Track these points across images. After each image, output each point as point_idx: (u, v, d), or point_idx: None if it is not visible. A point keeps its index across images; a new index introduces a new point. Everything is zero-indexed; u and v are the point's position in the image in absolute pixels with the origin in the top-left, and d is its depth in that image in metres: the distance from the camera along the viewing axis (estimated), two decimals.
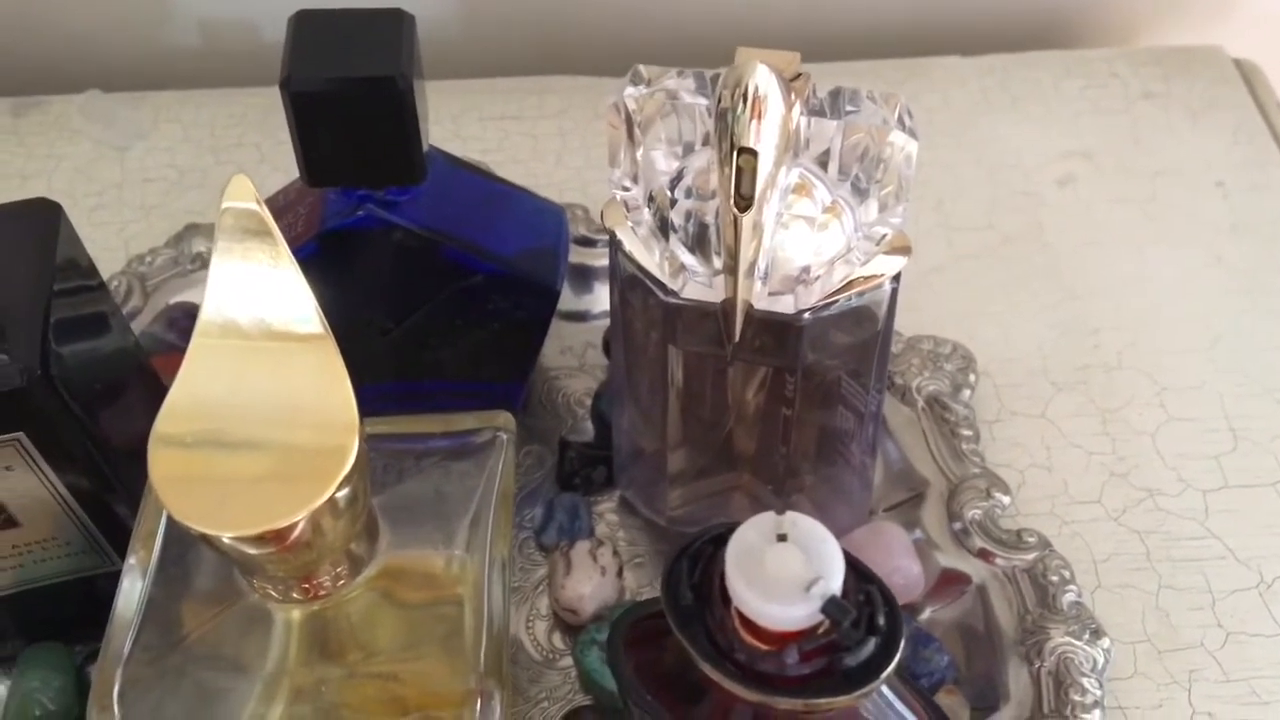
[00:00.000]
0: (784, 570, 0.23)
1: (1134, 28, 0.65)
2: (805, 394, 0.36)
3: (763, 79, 0.29)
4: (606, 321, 0.50)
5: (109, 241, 0.54)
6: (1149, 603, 0.41)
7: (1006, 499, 0.42)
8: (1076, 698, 0.37)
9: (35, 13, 0.63)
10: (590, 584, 0.40)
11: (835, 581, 0.23)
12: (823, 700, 0.23)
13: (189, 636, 0.31)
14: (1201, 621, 0.41)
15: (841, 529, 0.41)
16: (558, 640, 0.41)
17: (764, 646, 0.24)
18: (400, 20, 0.36)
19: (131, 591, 0.30)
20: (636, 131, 0.32)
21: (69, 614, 0.40)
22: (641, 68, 0.32)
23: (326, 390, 0.26)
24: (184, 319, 0.48)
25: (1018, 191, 0.55)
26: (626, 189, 0.34)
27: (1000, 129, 0.57)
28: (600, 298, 0.50)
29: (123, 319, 0.41)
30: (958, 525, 0.41)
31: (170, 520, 0.32)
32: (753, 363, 0.35)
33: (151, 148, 0.59)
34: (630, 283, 0.35)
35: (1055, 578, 0.39)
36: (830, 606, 0.22)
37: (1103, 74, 0.59)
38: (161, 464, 0.26)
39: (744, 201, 0.30)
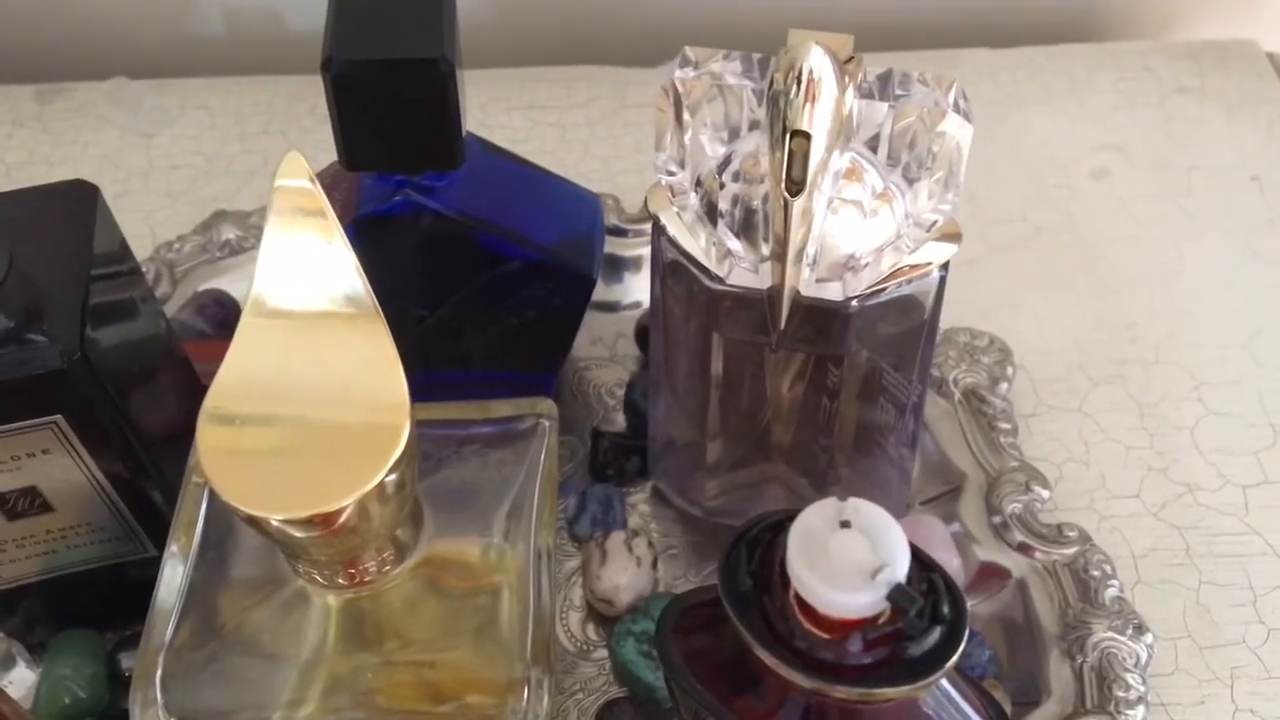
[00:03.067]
0: (848, 557, 0.22)
1: (1166, 22, 0.64)
2: (847, 385, 0.36)
3: (817, 61, 0.29)
4: (637, 312, 0.49)
5: (136, 229, 0.54)
6: (1189, 599, 0.41)
7: (1046, 493, 0.41)
8: (1120, 693, 0.36)
9: (57, 2, 0.62)
10: (626, 575, 0.39)
11: (901, 569, 0.23)
12: (885, 690, 0.23)
13: (230, 624, 0.30)
14: (1243, 618, 0.40)
15: None
16: (592, 631, 0.40)
17: (824, 634, 0.23)
18: (441, 3, 0.36)
19: (173, 579, 0.30)
20: (685, 115, 0.32)
21: (97, 601, 0.40)
22: (690, 50, 0.32)
23: (377, 371, 0.26)
24: (213, 306, 0.48)
25: (1051, 184, 0.54)
26: (672, 173, 0.33)
27: (1033, 122, 0.57)
28: (631, 288, 0.50)
29: (156, 304, 0.40)
30: (997, 519, 0.41)
31: (210, 508, 0.31)
32: (797, 351, 0.34)
33: (178, 135, 0.58)
34: (672, 269, 0.35)
35: (1097, 572, 0.39)
36: (896, 594, 0.22)
37: (1136, 68, 0.59)
38: (210, 444, 0.25)
39: (795, 186, 0.30)
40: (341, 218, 0.39)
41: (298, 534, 0.26)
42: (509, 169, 0.42)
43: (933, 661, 0.23)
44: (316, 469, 0.25)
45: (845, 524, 0.23)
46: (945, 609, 0.23)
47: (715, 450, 0.40)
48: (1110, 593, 0.39)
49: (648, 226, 0.51)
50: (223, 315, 0.48)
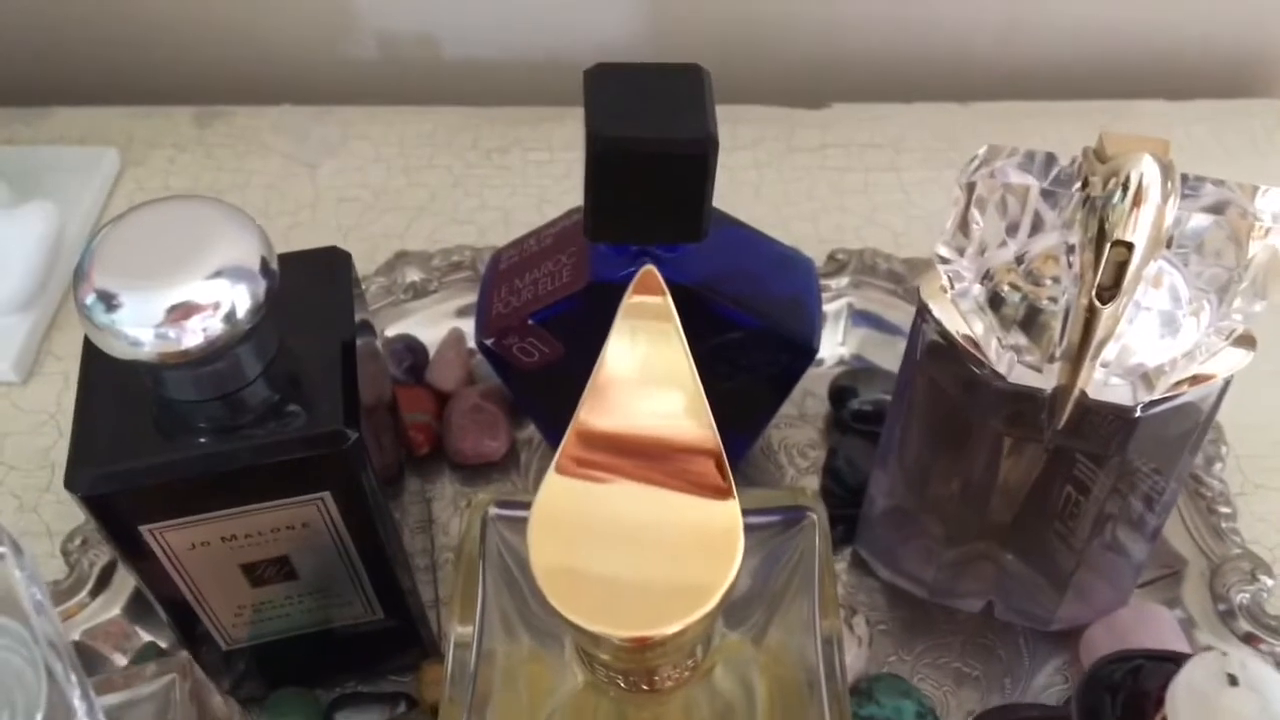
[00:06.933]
0: (1241, 718, 0.22)
1: None
2: (1100, 482, 0.35)
3: (1149, 170, 0.28)
4: (825, 370, 0.49)
5: None
6: None
7: (1271, 581, 0.41)
8: None
9: (206, 20, 0.62)
10: (849, 654, 0.39)
11: None
12: None
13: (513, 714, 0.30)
14: None
15: (1102, 609, 0.40)
16: None
17: None
18: (701, 77, 0.35)
19: (462, 668, 0.30)
20: (973, 209, 0.31)
21: (306, 658, 0.39)
22: (987, 148, 0.31)
23: (710, 494, 0.25)
24: (404, 351, 0.47)
25: None
26: (946, 260, 0.33)
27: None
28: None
29: (385, 361, 0.40)
30: (1222, 607, 0.40)
31: (488, 598, 0.31)
32: (1068, 449, 0.33)
33: (342, 166, 0.58)
34: (931, 352, 0.34)
35: None
36: None
37: None
38: (543, 554, 0.25)
39: (1107, 294, 0.29)
40: (573, 282, 0.39)
41: (617, 647, 0.26)
42: (729, 232, 0.42)
43: None
44: (647, 590, 0.25)
45: (1233, 680, 0.22)
46: None
47: (940, 528, 0.39)
48: None
49: (832, 282, 0.51)
50: (413, 361, 0.48)
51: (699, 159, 0.34)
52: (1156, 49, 0.62)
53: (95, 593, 0.41)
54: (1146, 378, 0.31)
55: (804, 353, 0.41)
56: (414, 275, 0.50)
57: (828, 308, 0.50)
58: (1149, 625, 0.39)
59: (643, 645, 0.25)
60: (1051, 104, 0.60)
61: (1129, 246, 0.28)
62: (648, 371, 0.26)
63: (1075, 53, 0.62)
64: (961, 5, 0.60)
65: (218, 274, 0.29)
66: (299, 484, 0.32)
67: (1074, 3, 0.60)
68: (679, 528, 0.25)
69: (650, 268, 0.26)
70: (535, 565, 0.25)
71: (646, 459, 0.26)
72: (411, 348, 0.48)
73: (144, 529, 0.32)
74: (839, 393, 0.47)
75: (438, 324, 0.49)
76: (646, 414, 0.26)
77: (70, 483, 0.30)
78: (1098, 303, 0.29)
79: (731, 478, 0.25)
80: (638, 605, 0.25)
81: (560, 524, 0.25)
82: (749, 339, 0.40)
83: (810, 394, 0.48)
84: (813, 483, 0.46)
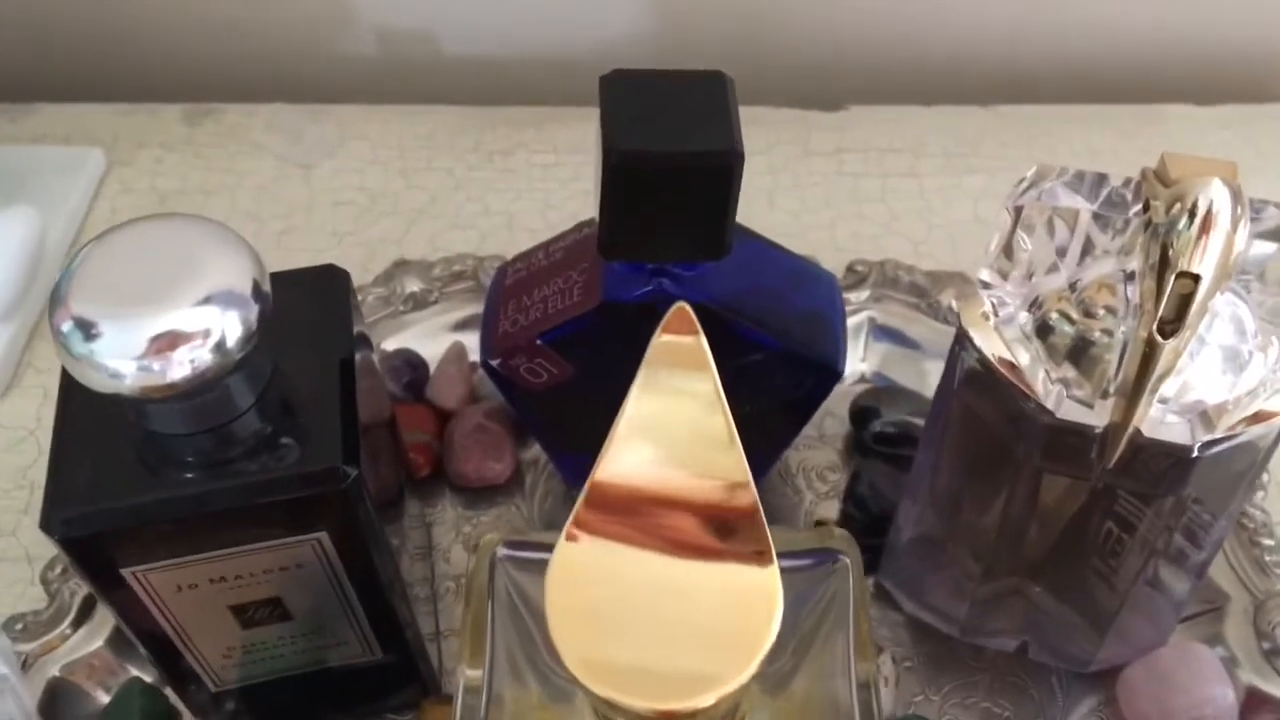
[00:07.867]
0: None
1: None
2: (1148, 520, 0.33)
3: (1218, 196, 0.26)
4: (848, 389, 0.46)
5: None
6: None
7: None
8: None
9: (197, 13, 0.60)
10: None
11: None
12: None
13: None
14: None
15: (1141, 649, 0.38)
16: None
17: None
18: (723, 85, 0.33)
19: (472, 710, 0.28)
20: (1019, 233, 0.29)
21: (299, 696, 0.37)
22: (1038, 168, 0.29)
23: (745, 552, 0.23)
24: (404, 367, 0.45)
25: None
26: (988, 285, 0.30)
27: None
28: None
29: (384, 380, 0.38)
30: (1267, 645, 0.38)
31: (498, 639, 0.29)
32: (1117, 487, 0.31)
33: (339, 168, 0.56)
34: (970, 380, 0.32)
35: None
36: None
37: None
38: (562, 623, 0.23)
39: (1170, 327, 0.27)
40: (585, 300, 0.37)
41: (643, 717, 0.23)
42: (748, 246, 0.39)
43: None
44: (677, 658, 0.23)
45: None
46: None
47: (972, 561, 0.37)
48: None
49: (852, 295, 0.49)
50: (412, 377, 0.45)
51: (723, 173, 0.32)
52: (1182, 52, 0.60)
53: (77, 624, 0.39)
54: (1206, 416, 0.29)
55: (828, 375, 0.39)
56: (414, 285, 0.48)
57: (848, 322, 0.48)
58: (1191, 665, 0.37)
59: (672, 718, 0.23)
60: (1076, 107, 0.57)
61: (1195, 278, 0.26)
62: (676, 423, 0.24)
63: (1098, 55, 0.60)
64: (982, 4, 0.58)
65: (206, 300, 0.27)
66: (293, 523, 0.29)
67: (1096, 4, 0.58)
68: (712, 593, 0.23)
69: (683, 304, 0.24)
70: (555, 634, 0.23)
71: (674, 520, 0.23)
72: (411, 363, 0.45)
73: (126, 571, 0.29)
74: (861, 413, 0.45)
75: (438, 337, 0.47)
76: (674, 471, 0.23)
77: (46, 524, 0.28)
78: (1159, 337, 0.27)
79: (771, 541, 0.23)
80: (669, 675, 0.23)
81: (581, 591, 0.23)
82: (771, 361, 0.38)
83: (830, 413, 0.46)
84: (833, 508, 0.44)
